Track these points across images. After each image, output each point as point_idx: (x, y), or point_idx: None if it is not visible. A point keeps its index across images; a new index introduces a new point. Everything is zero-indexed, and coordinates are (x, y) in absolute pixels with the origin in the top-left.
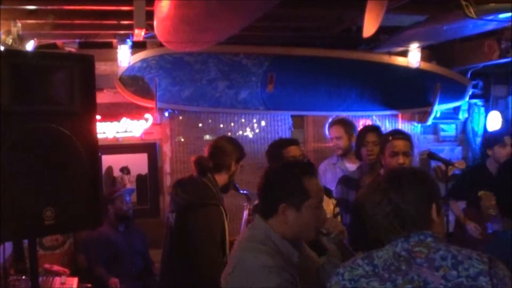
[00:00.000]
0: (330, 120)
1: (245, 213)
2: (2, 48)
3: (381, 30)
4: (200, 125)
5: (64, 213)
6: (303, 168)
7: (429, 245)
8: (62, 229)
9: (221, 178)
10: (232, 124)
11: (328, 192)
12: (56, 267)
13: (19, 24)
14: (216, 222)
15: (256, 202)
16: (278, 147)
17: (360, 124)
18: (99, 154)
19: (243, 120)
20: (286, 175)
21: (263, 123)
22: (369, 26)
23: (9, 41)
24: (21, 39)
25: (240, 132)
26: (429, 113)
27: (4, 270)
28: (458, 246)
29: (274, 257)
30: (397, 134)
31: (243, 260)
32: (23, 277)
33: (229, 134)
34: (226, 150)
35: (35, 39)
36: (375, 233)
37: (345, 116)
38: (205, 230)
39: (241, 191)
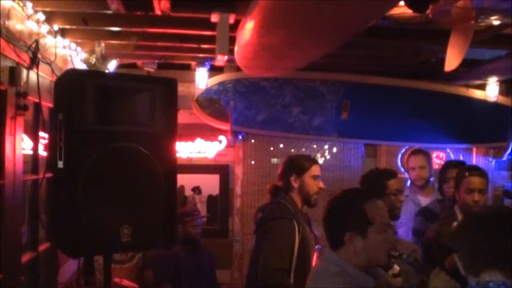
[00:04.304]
0: (404, 150)
1: (315, 256)
2: (85, 67)
3: (460, 63)
4: (272, 149)
5: (140, 231)
6: (363, 193)
7: None
8: (137, 247)
9: (295, 196)
10: (304, 149)
11: None
12: (125, 282)
13: (102, 44)
14: (283, 233)
15: None
16: (382, 178)
17: (434, 156)
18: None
19: (314, 146)
20: (345, 203)
21: (334, 150)
22: (452, 60)
23: (93, 60)
24: (104, 58)
25: None
26: (505, 149)
27: (77, 283)
28: None
29: (348, 286)
30: (474, 170)
31: None
32: None
33: None
34: (283, 170)
35: (117, 59)
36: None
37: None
38: (269, 240)
39: (312, 230)
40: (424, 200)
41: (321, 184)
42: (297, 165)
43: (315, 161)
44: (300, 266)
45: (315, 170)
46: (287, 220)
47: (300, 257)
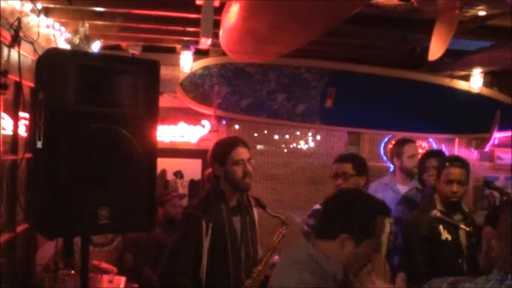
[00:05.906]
0: (387, 139)
1: (275, 238)
2: (68, 47)
3: (446, 53)
4: (256, 135)
5: (119, 214)
6: (380, 207)
7: None
8: (115, 229)
9: (223, 184)
10: (287, 136)
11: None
12: (104, 265)
13: (86, 25)
14: (187, 234)
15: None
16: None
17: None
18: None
19: (298, 133)
20: (363, 209)
21: (318, 137)
22: (436, 49)
23: (76, 40)
24: (88, 39)
25: (294, 145)
26: (487, 140)
27: (55, 264)
28: None
29: (315, 276)
30: (455, 161)
31: (280, 279)
32: (72, 271)
33: (283, 146)
34: (209, 159)
35: (101, 40)
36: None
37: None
38: (173, 239)
39: (273, 214)
40: (403, 189)
41: (248, 168)
42: (217, 153)
43: (236, 144)
44: (221, 261)
45: (236, 155)
46: (194, 219)
47: (218, 253)
